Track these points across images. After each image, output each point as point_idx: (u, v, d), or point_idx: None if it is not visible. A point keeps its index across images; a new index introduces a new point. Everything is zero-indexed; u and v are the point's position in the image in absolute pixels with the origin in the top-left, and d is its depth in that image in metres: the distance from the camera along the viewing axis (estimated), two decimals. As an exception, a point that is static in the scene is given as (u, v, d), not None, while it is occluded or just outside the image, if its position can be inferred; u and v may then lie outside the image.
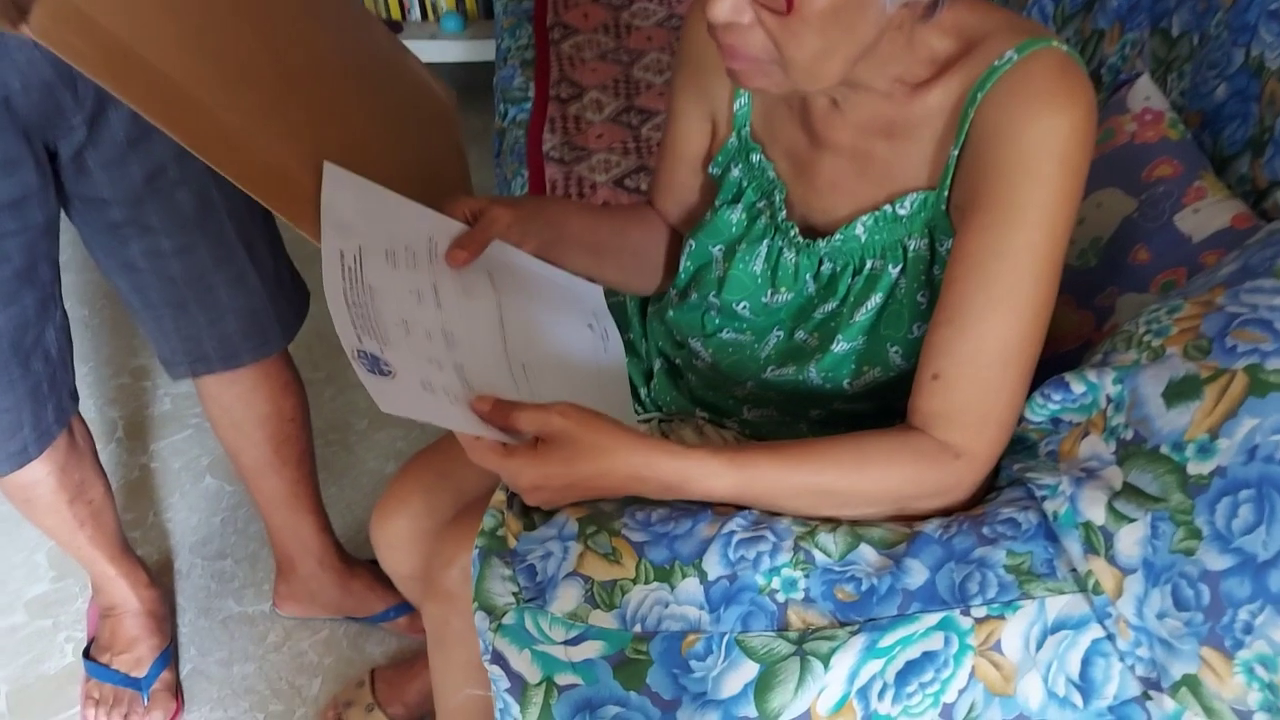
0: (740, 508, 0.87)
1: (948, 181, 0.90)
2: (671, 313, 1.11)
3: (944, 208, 0.91)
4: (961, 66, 0.88)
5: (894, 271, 0.95)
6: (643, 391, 1.18)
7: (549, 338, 1.02)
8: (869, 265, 0.96)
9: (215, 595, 1.63)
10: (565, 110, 1.81)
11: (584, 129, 1.77)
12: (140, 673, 1.47)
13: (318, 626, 1.58)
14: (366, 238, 0.90)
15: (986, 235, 0.85)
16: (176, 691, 1.50)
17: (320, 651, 1.56)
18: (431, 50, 2.49)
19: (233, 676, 1.54)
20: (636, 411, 1.18)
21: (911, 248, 0.94)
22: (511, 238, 1.01)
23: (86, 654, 1.50)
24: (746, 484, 0.85)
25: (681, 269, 1.09)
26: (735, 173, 1.05)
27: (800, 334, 1.01)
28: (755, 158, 1.02)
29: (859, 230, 0.96)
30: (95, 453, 1.38)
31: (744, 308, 1.03)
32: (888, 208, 0.94)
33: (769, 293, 1.02)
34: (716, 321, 1.05)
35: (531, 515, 0.88)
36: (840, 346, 0.97)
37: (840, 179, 0.97)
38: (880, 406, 1.03)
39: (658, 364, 1.17)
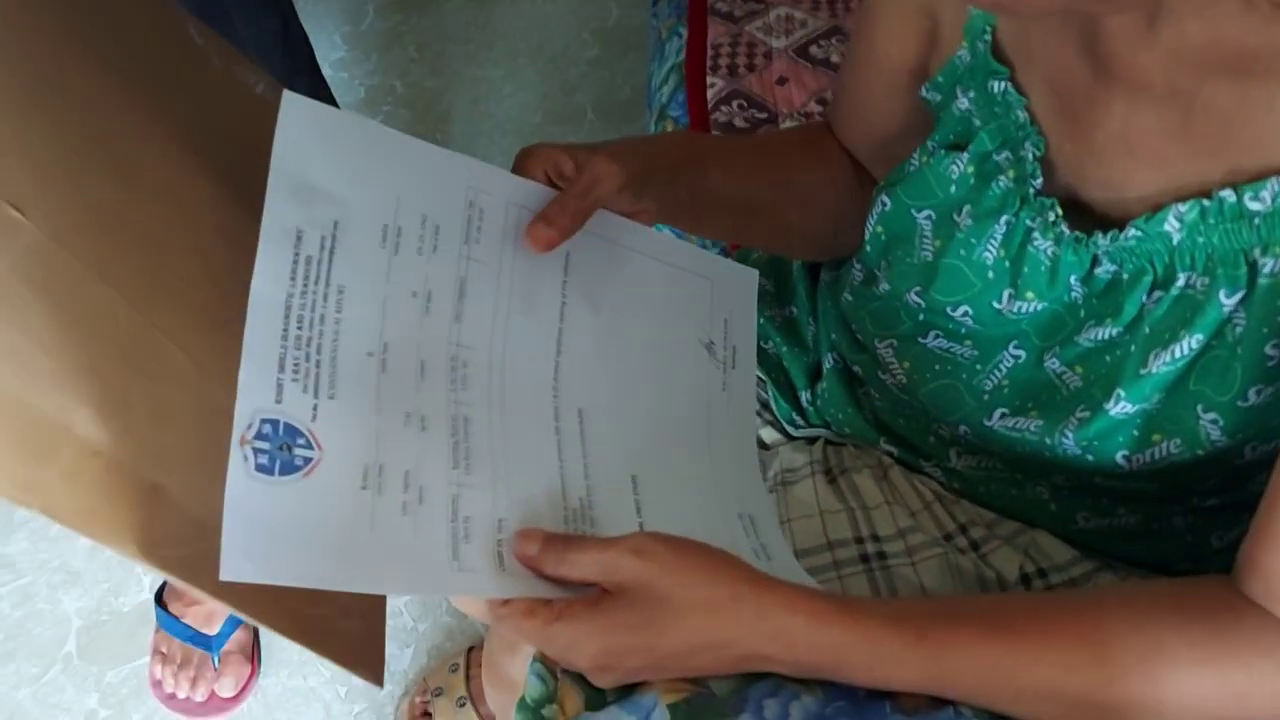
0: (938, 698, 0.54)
1: None
2: (849, 297, 0.75)
3: None
4: None
5: (1227, 300, 0.56)
6: (804, 395, 0.83)
7: (632, 366, 0.67)
8: (1181, 281, 0.58)
9: (306, 532, 1.42)
10: (741, -56, 1.39)
11: (764, -29, 1.35)
12: (212, 630, 1.28)
13: (415, 585, 1.35)
14: (354, 207, 0.57)
15: None
16: (253, 653, 1.30)
17: (417, 615, 1.33)
18: None
19: (316, 638, 1.33)
20: (795, 423, 0.84)
21: (1267, 269, 0.55)
22: (622, 205, 0.65)
23: (159, 598, 1.32)
24: (946, 678, 0.52)
25: (868, 236, 0.72)
26: (963, 103, 0.66)
27: (1053, 362, 0.64)
28: (998, 86, 0.63)
29: (1171, 224, 0.57)
30: None
31: (964, 314, 0.66)
32: (1227, 194, 0.55)
33: (1005, 295, 0.64)
34: (920, 319, 0.69)
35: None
36: (1120, 408, 0.60)
37: (1143, 137, 0.58)
38: (1169, 486, 0.65)
39: (829, 360, 0.81)
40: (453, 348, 0.59)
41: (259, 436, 0.50)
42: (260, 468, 0.49)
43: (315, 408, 0.52)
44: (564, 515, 0.58)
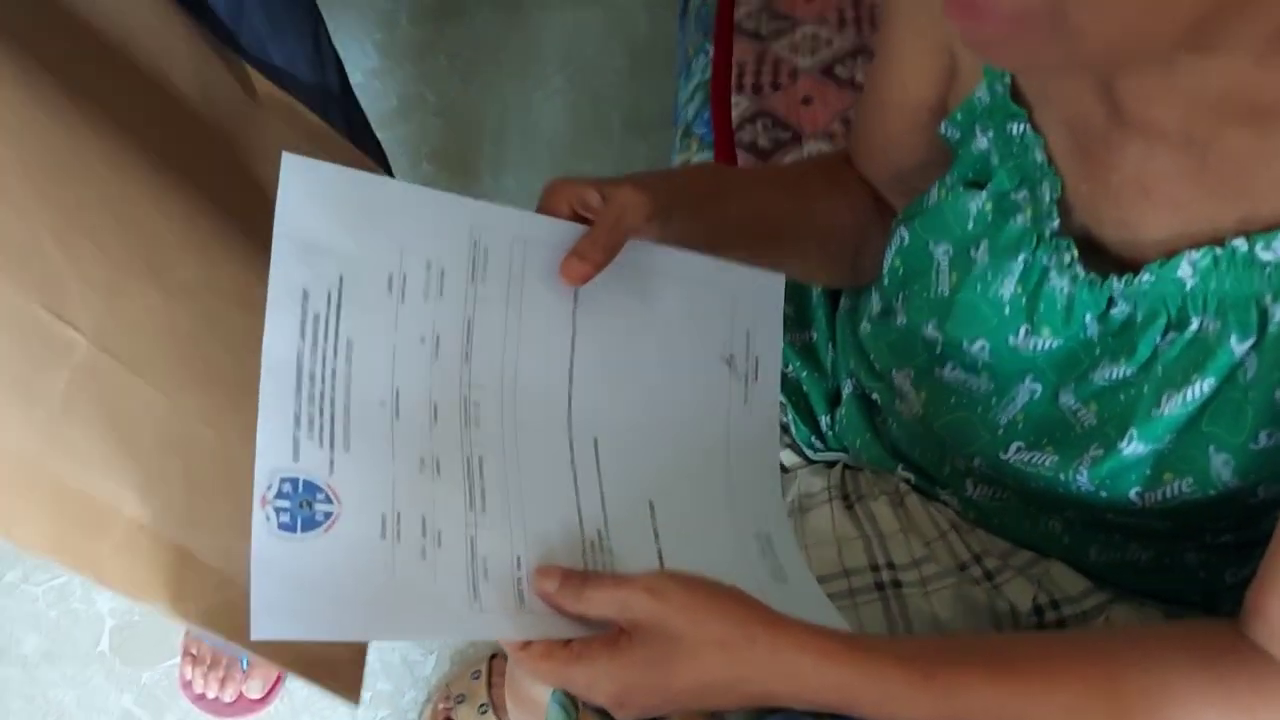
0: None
1: None
2: (867, 326, 0.76)
3: None
4: None
5: (1238, 346, 0.57)
6: (823, 420, 0.84)
7: (647, 390, 0.67)
8: (1195, 324, 0.59)
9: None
10: (769, -39, 1.40)
11: (791, -11, 1.36)
12: (241, 633, 1.31)
13: (438, 595, 1.38)
14: (357, 261, 0.58)
15: None
16: (280, 656, 1.33)
17: (440, 622, 1.36)
18: None
19: (342, 644, 1.36)
20: (814, 447, 0.85)
21: (1278, 316, 0.56)
22: (649, 235, 0.65)
23: (190, 600, 1.35)
24: (957, 716, 0.53)
25: (886, 269, 0.73)
26: (981, 142, 0.67)
27: (1068, 399, 0.65)
28: (1016, 128, 0.64)
29: (1184, 270, 0.58)
30: None
31: (981, 348, 0.67)
32: (1239, 243, 0.55)
33: (1021, 331, 0.65)
34: (937, 351, 0.70)
35: (615, 714, 0.58)
36: (1133, 448, 0.61)
37: (1157, 181, 0.58)
38: (1182, 524, 0.66)
39: (848, 386, 0.82)
40: (464, 389, 0.60)
41: (279, 495, 0.51)
42: (283, 526, 0.51)
43: (332, 462, 0.54)
44: (581, 549, 0.60)
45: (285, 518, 0.52)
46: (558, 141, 1.87)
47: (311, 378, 0.55)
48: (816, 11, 1.33)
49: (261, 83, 0.88)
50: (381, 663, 1.33)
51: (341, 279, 0.57)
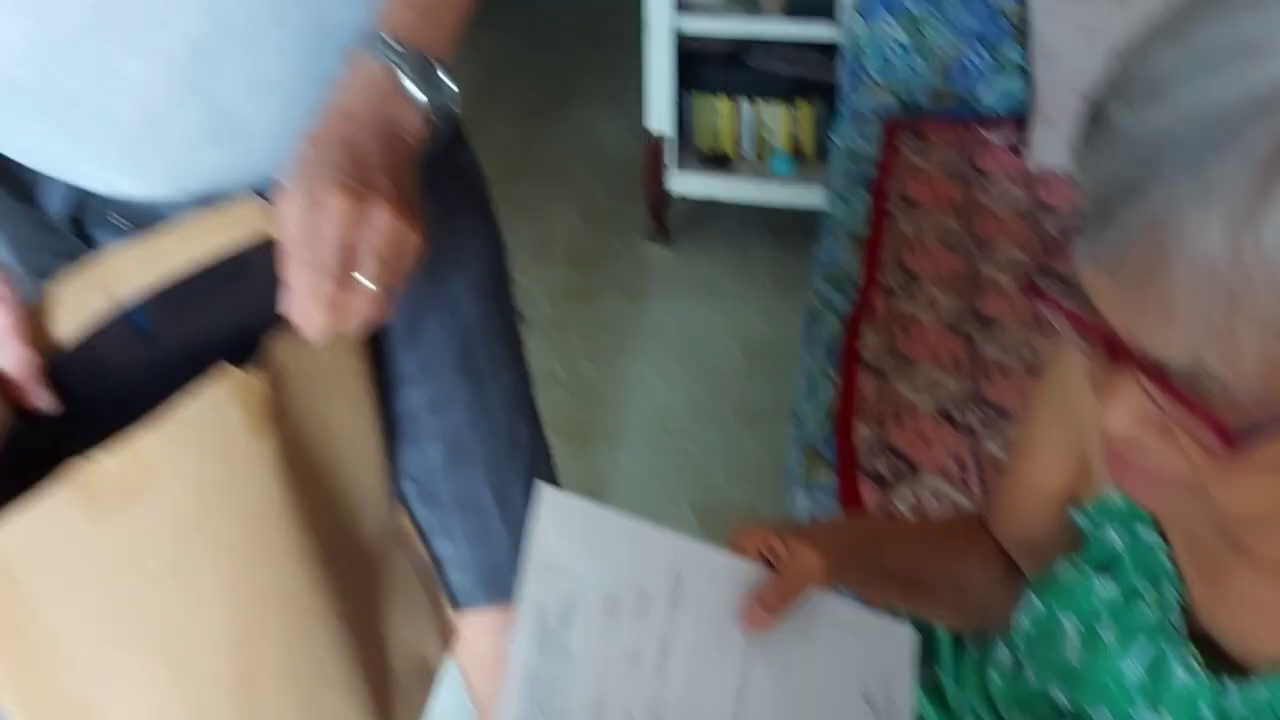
0: None
1: None
2: (998, 680, 0.85)
3: None
4: None
5: None
6: (945, 754, 0.93)
7: (800, 715, 0.77)
8: None
9: None
10: (892, 304, 1.58)
11: (911, 332, 1.53)
12: None
13: None
14: (585, 582, 0.70)
15: None
16: None
17: None
18: (757, 192, 2.35)
19: None
20: (932, 776, 0.93)
21: None
22: (825, 586, 0.78)
23: None
24: None
25: (1015, 627, 0.83)
26: (1111, 535, 0.78)
27: None
28: (1142, 530, 0.76)
29: None
30: None
31: (1104, 715, 0.76)
32: None
33: (1141, 707, 0.74)
34: (1062, 712, 0.79)
35: None
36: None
37: (1266, 603, 0.69)
38: None
39: (971, 726, 0.91)
40: (654, 702, 0.71)
41: None
42: None
43: None
44: None
45: None
46: (673, 424, 2.03)
47: (540, 685, 0.66)
48: (933, 356, 1.49)
49: (400, 515, 1.04)
50: None
51: (572, 597, 0.70)
